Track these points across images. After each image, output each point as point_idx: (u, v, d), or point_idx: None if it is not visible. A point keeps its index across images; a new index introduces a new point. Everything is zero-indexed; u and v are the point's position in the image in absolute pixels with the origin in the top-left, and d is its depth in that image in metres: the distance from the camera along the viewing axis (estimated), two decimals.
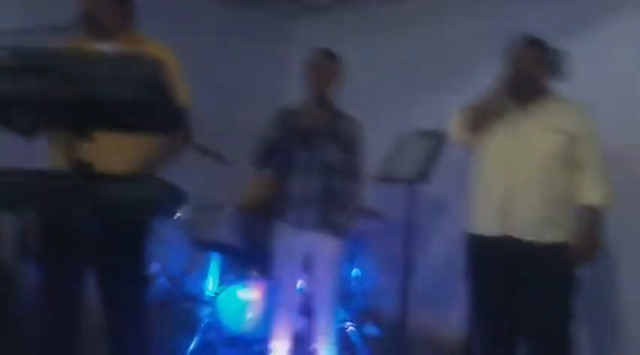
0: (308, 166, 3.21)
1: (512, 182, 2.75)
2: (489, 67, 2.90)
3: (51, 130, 1.74)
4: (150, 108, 1.26)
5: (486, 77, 2.84)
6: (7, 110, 1.25)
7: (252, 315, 3.77)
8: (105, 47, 2.30)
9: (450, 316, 4.23)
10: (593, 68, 3.59)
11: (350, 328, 3.99)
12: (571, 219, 2.79)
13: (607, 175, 2.79)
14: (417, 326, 3.88)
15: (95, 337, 2.72)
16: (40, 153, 2.09)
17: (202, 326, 3.75)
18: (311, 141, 3.18)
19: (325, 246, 3.25)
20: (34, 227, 2.19)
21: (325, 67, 3.32)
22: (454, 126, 2.91)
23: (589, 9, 3.81)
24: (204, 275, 4.09)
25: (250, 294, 3.82)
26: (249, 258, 3.92)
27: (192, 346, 3.69)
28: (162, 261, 4.20)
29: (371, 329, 4.36)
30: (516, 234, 2.76)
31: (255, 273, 3.88)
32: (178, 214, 3.95)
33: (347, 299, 4.17)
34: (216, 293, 3.80)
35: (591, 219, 2.76)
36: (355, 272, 4.34)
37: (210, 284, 4.01)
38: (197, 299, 4.14)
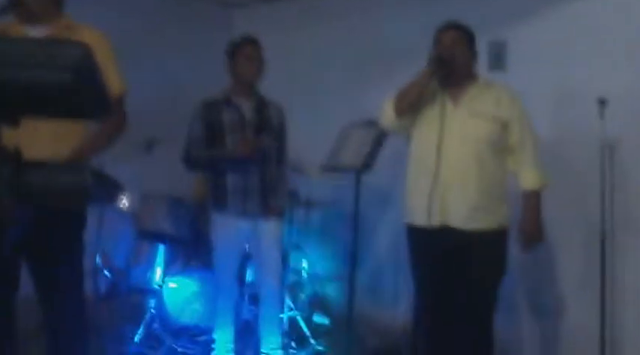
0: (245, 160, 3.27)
1: (446, 172, 2.74)
2: None
3: None
4: (76, 93, 1.23)
5: None
6: None
7: (197, 306, 3.75)
8: (34, 32, 2.27)
9: (397, 306, 4.28)
10: (530, 58, 3.68)
11: (298, 317, 4.01)
12: (503, 205, 2.84)
13: (539, 156, 2.85)
14: (364, 316, 3.92)
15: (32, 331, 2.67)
16: None
17: (147, 317, 3.72)
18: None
19: (268, 227, 3.39)
20: None
21: (255, 55, 3.30)
22: (383, 112, 2.91)
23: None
24: (149, 266, 4.04)
25: (195, 285, 3.80)
26: (194, 248, 3.90)
27: (137, 337, 3.65)
28: (107, 252, 4.12)
29: (319, 318, 4.39)
30: (452, 224, 2.76)
31: (199, 264, 3.87)
32: (123, 204, 3.87)
33: (296, 288, 4.19)
34: (161, 285, 3.77)
35: (533, 203, 2.82)
36: (304, 261, 4.35)
37: (156, 275, 3.97)
38: (142, 290, 4.09)
